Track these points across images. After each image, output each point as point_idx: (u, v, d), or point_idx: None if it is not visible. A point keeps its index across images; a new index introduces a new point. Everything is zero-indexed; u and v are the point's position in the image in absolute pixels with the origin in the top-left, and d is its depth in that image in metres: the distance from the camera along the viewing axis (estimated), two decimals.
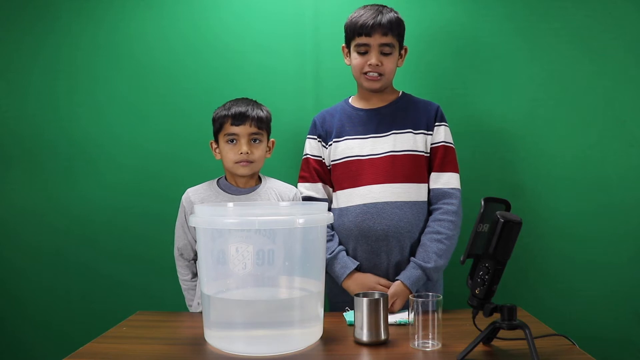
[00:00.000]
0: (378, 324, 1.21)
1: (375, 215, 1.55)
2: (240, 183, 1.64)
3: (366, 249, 1.57)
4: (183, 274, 1.67)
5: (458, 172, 1.62)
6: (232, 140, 1.58)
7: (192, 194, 1.63)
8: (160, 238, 1.75)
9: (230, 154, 1.58)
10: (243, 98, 1.64)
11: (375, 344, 1.21)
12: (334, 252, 1.58)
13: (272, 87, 1.92)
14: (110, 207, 1.96)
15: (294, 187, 1.70)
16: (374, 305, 1.21)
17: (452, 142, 1.64)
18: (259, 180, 1.67)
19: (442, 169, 1.60)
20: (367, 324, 1.21)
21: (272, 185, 1.67)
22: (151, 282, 1.89)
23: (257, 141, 1.60)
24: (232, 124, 1.57)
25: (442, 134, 1.62)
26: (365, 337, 1.21)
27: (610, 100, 1.88)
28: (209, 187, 1.65)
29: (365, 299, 1.22)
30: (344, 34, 1.66)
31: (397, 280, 1.52)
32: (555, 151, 1.90)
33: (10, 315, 1.98)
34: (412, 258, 1.55)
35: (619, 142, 1.88)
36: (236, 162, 1.58)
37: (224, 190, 1.63)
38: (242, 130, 1.57)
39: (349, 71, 1.71)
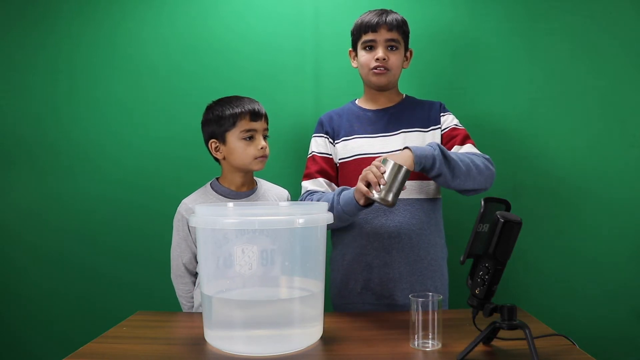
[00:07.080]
0: (392, 187, 1.33)
1: (387, 212, 1.55)
2: (236, 186, 1.62)
3: (377, 247, 1.55)
4: (188, 291, 1.61)
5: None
6: (250, 137, 1.56)
7: (191, 204, 1.58)
8: (161, 238, 1.74)
9: (249, 149, 1.55)
10: (233, 96, 1.60)
11: (381, 203, 1.34)
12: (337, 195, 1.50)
13: (273, 87, 1.92)
14: (110, 206, 1.96)
15: (286, 190, 1.71)
16: (396, 169, 1.33)
17: (461, 126, 1.63)
18: (254, 182, 1.67)
19: (463, 143, 1.58)
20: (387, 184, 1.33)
21: (268, 188, 1.68)
22: (151, 282, 1.89)
23: (268, 137, 1.61)
24: (251, 120, 1.55)
25: (449, 119, 1.63)
26: (376, 194, 1.34)
27: (610, 100, 1.89)
28: (206, 194, 1.61)
29: (392, 161, 1.34)
30: (344, 35, 1.67)
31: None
32: (555, 151, 1.90)
33: (10, 315, 1.99)
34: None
35: (619, 142, 1.89)
36: (256, 158, 1.56)
37: (223, 196, 1.60)
38: (260, 125, 1.57)
39: (350, 71, 1.71)
